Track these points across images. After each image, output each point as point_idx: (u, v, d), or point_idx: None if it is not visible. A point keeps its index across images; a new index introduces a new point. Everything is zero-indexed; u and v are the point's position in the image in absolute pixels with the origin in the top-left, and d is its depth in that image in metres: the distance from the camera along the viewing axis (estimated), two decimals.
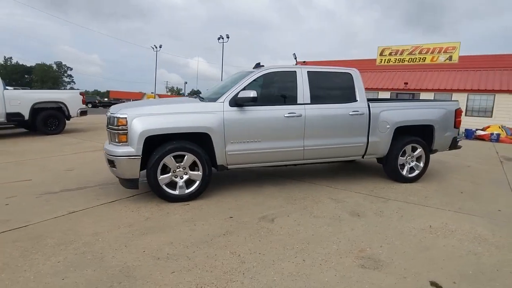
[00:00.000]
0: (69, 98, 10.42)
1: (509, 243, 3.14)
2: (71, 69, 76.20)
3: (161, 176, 3.95)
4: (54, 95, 10.34)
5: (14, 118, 9.19)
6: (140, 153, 3.81)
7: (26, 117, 9.35)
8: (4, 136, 9.59)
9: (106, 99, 44.54)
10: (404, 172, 5.20)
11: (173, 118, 3.98)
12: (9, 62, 66.83)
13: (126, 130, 3.81)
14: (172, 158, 3.95)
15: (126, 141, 3.82)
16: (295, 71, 4.59)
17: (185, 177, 4.07)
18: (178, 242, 2.98)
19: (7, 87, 9.66)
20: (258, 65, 4.78)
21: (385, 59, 21.99)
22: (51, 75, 68.01)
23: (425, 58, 20.89)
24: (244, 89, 4.26)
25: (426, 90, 19.53)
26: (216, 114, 4.10)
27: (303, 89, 4.55)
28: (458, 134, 5.62)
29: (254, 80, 4.39)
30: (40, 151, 7.27)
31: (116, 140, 3.86)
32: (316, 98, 4.62)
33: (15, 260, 2.58)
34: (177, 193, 4.04)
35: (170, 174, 3.99)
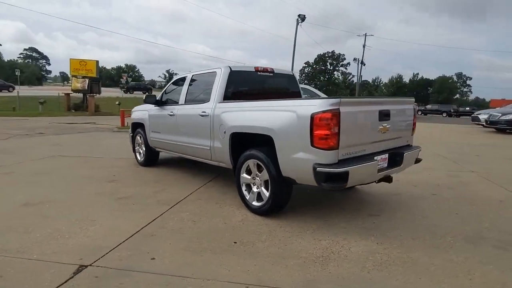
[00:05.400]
0: None
1: None
2: (470, 78, 73.20)
3: (136, 148, 6.38)
4: None
5: None
6: (131, 132, 6.51)
7: None
8: None
9: (467, 108, 39.29)
10: (249, 196, 3.64)
11: (135, 114, 6.27)
12: (416, 78, 75.64)
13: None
14: (138, 137, 6.25)
15: None
16: (185, 76, 5.00)
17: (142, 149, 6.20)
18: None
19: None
20: None
21: None
22: (447, 86, 69.02)
23: None
24: (164, 92, 5.56)
25: None
26: (147, 111, 5.82)
27: (184, 92, 4.90)
28: (333, 161, 2.69)
29: (169, 85, 5.50)
30: None
31: None
32: (189, 99, 4.78)
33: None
34: (139, 159, 6.27)
35: (138, 146, 6.31)
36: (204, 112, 4.26)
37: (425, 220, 3.49)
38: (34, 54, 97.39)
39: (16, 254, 2.66)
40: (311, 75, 75.15)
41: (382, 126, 3.29)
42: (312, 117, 2.85)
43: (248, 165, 3.63)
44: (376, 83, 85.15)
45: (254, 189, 3.60)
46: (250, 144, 3.66)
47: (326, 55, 74.33)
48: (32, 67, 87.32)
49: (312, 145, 2.88)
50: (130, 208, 3.82)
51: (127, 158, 6.78)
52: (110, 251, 2.74)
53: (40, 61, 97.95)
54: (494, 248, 2.86)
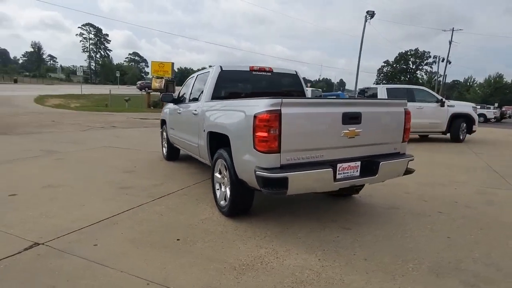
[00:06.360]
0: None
1: None
2: None
3: (163, 142, 6.80)
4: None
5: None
6: (160, 128, 6.98)
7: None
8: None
9: None
10: (218, 195, 3.57)
11: (163, 111, 6.67)
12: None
13: None
14: (164, 132, 6.65)
15: None
16: (193, 76, 5.12)
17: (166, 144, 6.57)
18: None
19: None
20: None
21: None
22: None
23: None
24: (180, 90, 5.80)
25: None
26: (167, 109, 6.14)
27: (189, 91, 5.03)
28: (269, 167, 2.41)
29: (184, 84, 5.71)
30: None
31: None
32: (192, 97, 4.89)
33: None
34: (164, 153, 6.67)
35: (164, 141, 6.72)
36: (196, 110, 4.34)
37: (402, 241, 2.97)
38: (136, 58, 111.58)
39: None
40: (390, 74, 69.59)
41: (348, 130, 2.90)
42: (255, 118, 2.67)
43: (219, 165, 3.58)
44: (468, 83, 74.78)
45: (223, 188, 3.54)
46: (223, 144, 3.60)
47: (409, 53, 67.98)
48: (134, 69, 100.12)
49: (254, 147, 2.70)
50: (121, 197, 4.11)
51: (159, 152, 7.28)
52: (68, 233, 3.01)
53: (141, 64, 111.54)
54: (462, 283, 2.28)
